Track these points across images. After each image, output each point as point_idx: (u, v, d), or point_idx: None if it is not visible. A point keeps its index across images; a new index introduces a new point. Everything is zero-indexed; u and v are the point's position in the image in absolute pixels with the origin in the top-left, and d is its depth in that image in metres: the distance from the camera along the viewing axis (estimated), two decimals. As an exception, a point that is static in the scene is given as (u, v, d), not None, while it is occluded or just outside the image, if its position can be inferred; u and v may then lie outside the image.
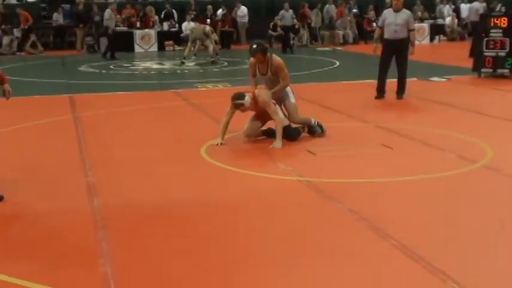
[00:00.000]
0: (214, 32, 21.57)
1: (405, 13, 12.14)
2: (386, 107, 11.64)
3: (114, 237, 5.17)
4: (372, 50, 12.93)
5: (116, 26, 25.30)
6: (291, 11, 24.93)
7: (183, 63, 19.94)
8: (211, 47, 20.26)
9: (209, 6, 27.06)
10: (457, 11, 29.94)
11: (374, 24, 27.90)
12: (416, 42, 27.26)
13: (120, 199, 6.22)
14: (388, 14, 12.23)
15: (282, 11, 25.15)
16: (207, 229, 5.40)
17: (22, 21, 24.88)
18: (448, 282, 4.25)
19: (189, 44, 20.40)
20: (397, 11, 12.08)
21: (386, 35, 12.17)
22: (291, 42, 24.89)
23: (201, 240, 5.14)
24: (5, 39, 24.34)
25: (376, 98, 12.33)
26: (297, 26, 26.29)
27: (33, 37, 25.00)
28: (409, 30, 12.10)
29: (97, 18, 23.80)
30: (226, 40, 26.64)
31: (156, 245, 5.04)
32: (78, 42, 25.78)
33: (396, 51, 12.14)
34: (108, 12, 22.36)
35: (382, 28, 12.33)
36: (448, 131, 9.05)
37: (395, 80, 12.43)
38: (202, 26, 20.76)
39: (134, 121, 10.46)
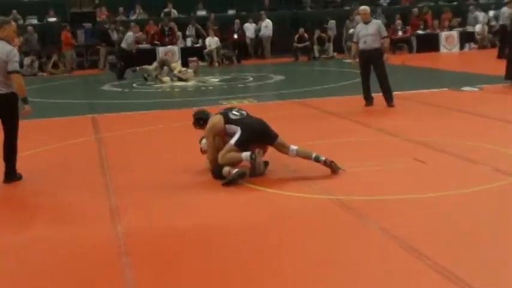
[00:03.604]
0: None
1: (375, 23, 12.90)
2: (417, 119, 11.49)
3: (138, 264, 5.12)
4: (353, 63, 13.76)
5: (139, 43, 25.49)
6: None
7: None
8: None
9: (236, 21, 27.38)
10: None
11: (400, 33, 27.91)
12: (446, 51, 27.45)
13: (144, 224, 6.18)
14: (359, 27, 12.98)
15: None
16: (234, 252, 5.33)
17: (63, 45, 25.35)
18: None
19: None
20: (366, 23, 12.82)
21: (360, 47, 12.81)
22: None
23: (228, 264, 5.07)
24: (26, 60, 24.58)
25: (366, 105, 12.89)
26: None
27: (54, 57, 25.25)
28: (382, 38, 12.74)
29: (116, 37, 24.11)
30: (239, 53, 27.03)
31: (182, 270, 4.98)
32: (100, 61, 26.00)
33: (371, 61, 12.69)
34: (130, 36, 22.40)
35: (357, 43, 12.96)
36: (482, 143, 8.89)
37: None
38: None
39: (157, 141, 10.44)
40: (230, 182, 7.33)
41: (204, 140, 8.15)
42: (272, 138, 7.76)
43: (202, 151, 8.22)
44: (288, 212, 6.34)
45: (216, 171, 7.58)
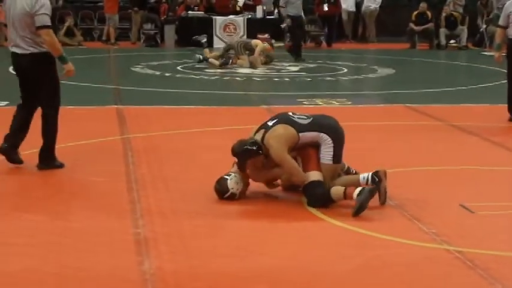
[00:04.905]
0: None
1: None
2: None
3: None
4: (496, 58, 13.15)
5: (188, 9, 25.74)
6: None
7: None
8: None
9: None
10: None
11: None
12: None
13: (182, 262, 6.27)
14: (511, 5, 12.40)
15: None
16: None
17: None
18: None
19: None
20: None
21: (511, 34, 12.38)
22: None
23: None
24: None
25: (511, 120, 12.78)
26: None
27: (69, 21, 25.65)
28: None
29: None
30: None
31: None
32: (132, 30, 26.33)
33: None
34: None
35: (505, 28, 12.50)
36: None
37: None
38: None
39: (207, 149, 10.50)
40: (362, 207, 7.42)
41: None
42: None
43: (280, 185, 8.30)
44: (385, 264, 6.36)
45: (324, 196, 7.67)
